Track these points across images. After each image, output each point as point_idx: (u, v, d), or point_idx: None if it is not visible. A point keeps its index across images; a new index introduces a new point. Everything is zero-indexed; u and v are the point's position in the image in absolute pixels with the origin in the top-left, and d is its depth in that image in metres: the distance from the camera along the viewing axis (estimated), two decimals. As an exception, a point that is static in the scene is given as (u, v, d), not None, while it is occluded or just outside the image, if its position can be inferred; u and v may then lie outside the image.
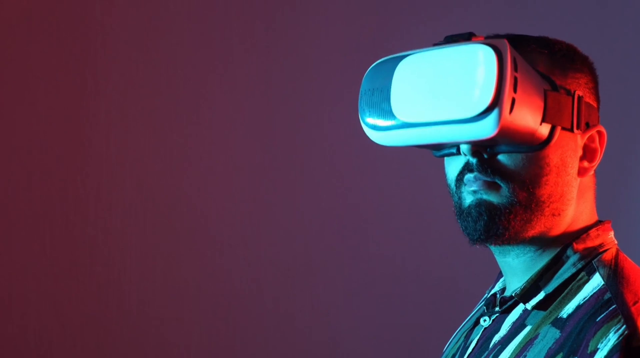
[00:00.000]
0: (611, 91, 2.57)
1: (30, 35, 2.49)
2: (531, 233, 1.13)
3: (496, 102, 1.03)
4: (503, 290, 1.25)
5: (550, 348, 1.08)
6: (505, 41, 1.06)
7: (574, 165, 1.13)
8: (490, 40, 1.07)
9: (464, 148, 1.11)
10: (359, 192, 2.66)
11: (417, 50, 1.11)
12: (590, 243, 1.15)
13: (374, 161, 2.65)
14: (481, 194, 1.12)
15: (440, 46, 1.10)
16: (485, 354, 1.18)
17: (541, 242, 1.15)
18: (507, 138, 1.07)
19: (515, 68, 1.05)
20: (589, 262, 1.14)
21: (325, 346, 2.69)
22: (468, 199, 1.13)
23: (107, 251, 2.57)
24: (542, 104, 1.08)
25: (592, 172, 1.16)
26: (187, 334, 2.62)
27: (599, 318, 1.05)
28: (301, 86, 2.63)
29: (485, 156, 1.11)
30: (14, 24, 2.47)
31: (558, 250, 1.14)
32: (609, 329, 1.03)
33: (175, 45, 2.56)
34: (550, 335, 1.09)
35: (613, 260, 1.14)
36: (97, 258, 2.56)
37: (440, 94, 1.07)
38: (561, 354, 1.06)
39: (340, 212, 2.67)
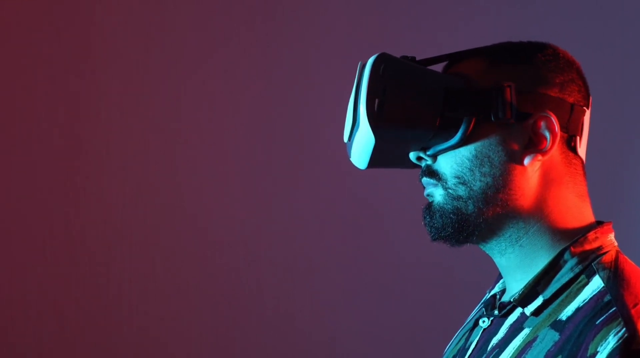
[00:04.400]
0: (611, 91, 2.57)
1: (31, 35, 2.48)
2: (486, 227, 1.15)
3: (357, 106, 1.14)
4: (503, 291, 1.25)
5: (549, 350, 1.08)
6: (381, 54, 1.14)
7: (513, 154, 1.13)
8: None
9: (411, 156, 1.18)
10: (359, 192, 2.66)
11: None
12: (588, 246, 1.14)
13: (374, 161, 2.65)
14: (430, 197, 1.18)
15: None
16: (484, 357, 1.17)
17: (512, 235, 1.15)
18: (404, 135, 1.14)
19: (381, 74, 1.13)
20: (588, 266, 1.13)
21: (325, 346, 2.69)
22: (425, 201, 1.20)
23: (107, 251, 2.57)
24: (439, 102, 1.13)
25: (546, 158, 1.14)
26: (187, 334, 2.62)
27: (598, 321, 1.05)
28: (302, 85, 2.62)
29: (429, 160, 1.17)
30: (14, 24, 2.47)
31: (555, 253, 1.14)
32: (609, 332, 1.03)
33: (175, 44, 2.56)
34: (549, 338, 1.09)
35: (613, 262, 1.13)
36: (97, 258, 2.56)
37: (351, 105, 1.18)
38: (560, 357, 1.06)
39: (340, 212, 2.67)
